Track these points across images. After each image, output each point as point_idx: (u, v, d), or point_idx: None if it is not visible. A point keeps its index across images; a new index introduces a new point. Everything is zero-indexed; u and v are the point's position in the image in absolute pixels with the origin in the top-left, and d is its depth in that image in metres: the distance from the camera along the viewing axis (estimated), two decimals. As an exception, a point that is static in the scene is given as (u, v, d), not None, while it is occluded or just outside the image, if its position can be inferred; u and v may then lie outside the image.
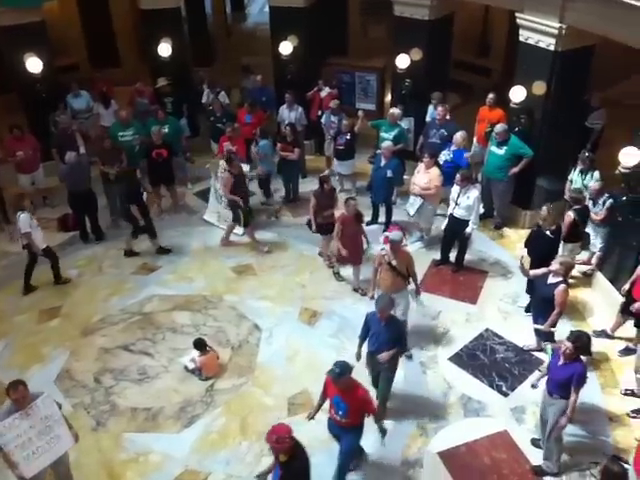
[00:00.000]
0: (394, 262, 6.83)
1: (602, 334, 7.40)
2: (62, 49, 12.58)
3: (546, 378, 5.75)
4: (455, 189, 8.10)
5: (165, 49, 10.70)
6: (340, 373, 5.13)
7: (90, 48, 14.02)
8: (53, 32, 11.41)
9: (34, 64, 10.04)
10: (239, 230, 9.47)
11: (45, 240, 8.37)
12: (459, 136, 8.93)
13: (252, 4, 17.18)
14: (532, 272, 6.82)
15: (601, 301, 7.98)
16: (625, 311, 7.15)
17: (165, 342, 7.61)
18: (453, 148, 8.97)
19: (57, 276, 8.56)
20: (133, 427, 6.56)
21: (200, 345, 7.04)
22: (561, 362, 5.49)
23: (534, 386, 6.11)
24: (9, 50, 10.28)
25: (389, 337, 6.00)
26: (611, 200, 7.63)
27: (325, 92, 10.80)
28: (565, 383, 5.46)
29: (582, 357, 5.53)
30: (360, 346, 6.31)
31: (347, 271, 8.46)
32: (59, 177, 9.34)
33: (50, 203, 10.21)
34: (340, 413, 5.36)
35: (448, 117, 9.54)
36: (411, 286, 7.17)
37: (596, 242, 8.08)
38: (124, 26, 14.05)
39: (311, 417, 5.75)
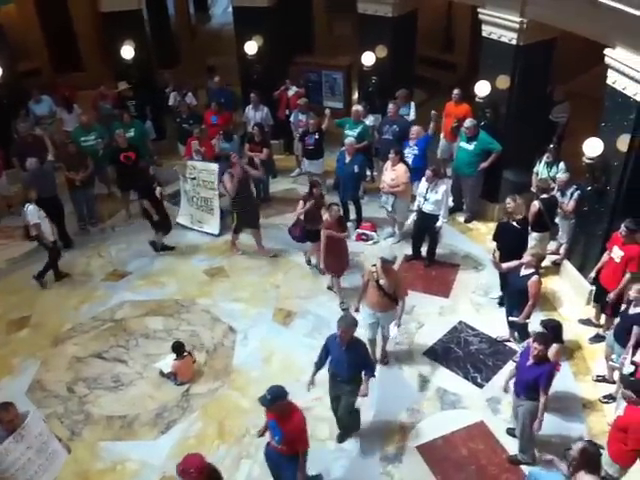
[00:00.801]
0: (382, 281, 6.49)
1: (587, 322, 7.55)
2: (23, 54, 12.30)
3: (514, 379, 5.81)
4: (423, 184, 8.16)
5: (128, 52, 10.56)
6: (271, 400, 4.89)
7: (51, 52, 13.73)
8: (12, 36, 11.17)
9: (-8, 70, 9.82)
10: (214, 230, 9.39)
11: (54, 233, 8.52)
12: (415, 128, 9.03)
13: (216, 4, 17.02)
14: (504, 265, 6.90)
15: (570, 290, 8.13)
16: (597, 299, 7.31)
17: (138, 348, 7.52)
18: (412, 142, 9.02)
19: (57, 273, 8.65)
20: (109, 435, 6.46)
21: (178, 349, 6.96)
22: (530, 362, 5.56)
23: (506, 390, 6.08)
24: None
25: (350, 364, 5.68)
26: (579, 192, 7.78)
27: (292, 91, 10.77)
28: (532, 384, 5.52)
29: (553, 350, 5.62)
30: (314, 374, 5.94)
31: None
32: (23, 184, 9.13)
33: (15, 211, 9.98)
34: (276, 439, 5.11)
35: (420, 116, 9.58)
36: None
37: (563, 233, 8.24)
38: (86, 29, 13.79)
39: (261, 434, 5.57)
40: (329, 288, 8.24)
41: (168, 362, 7.02)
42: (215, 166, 9.33)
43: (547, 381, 5.49)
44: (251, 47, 10.46)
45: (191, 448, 6.20)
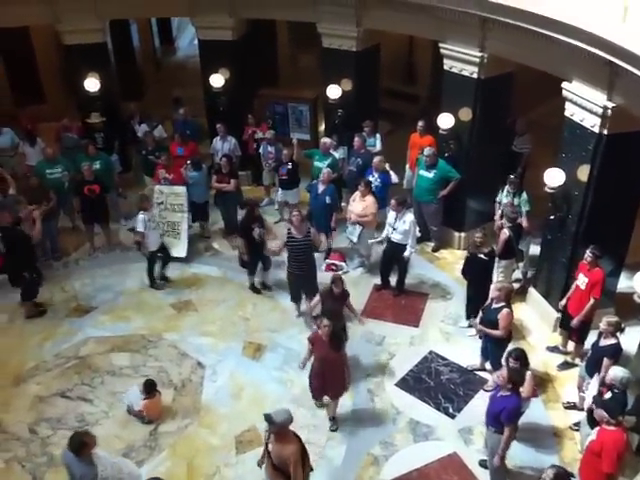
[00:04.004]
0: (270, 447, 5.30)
1: (555, 350, 7.65)
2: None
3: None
4: (391, 214, 8.26)
5: (92, 84, 10.45)
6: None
7: (12, 84, 13.53)
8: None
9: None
10: (181, 254, 9.38)
11: (155, 245, 8.77)
12: (377, 161, 9.21)
13: (181, 37, 17.12)
14: (479, 328, 6.96)
15: (536, 317, 8.26)
16: (563, 326, 7.44)
17: (104, 386, 7.32)
18: (376, 173, 9.19)
19: (163, 276, 9.01)
20: (73, 479, 6.22)
21: (150, 387, 6.79)
22: (500, 393, 5.60)
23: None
24: None
25: None
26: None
27: (260, 135, 10.81)
28: (498, 416, 5.55)
29: (527, 377, 5.68)
30: None
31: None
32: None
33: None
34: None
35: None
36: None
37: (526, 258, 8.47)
38: (48, 61, 13.66)
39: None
40: (300, 315, 8.18)
41: (133, 397, 6.83)
42: (183, 189, 9.38)
43: (510, 414, 5.48)
44: (217, 80, 10.50)
45: (160, 490, 6.05)
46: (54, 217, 9.26)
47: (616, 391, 5.52)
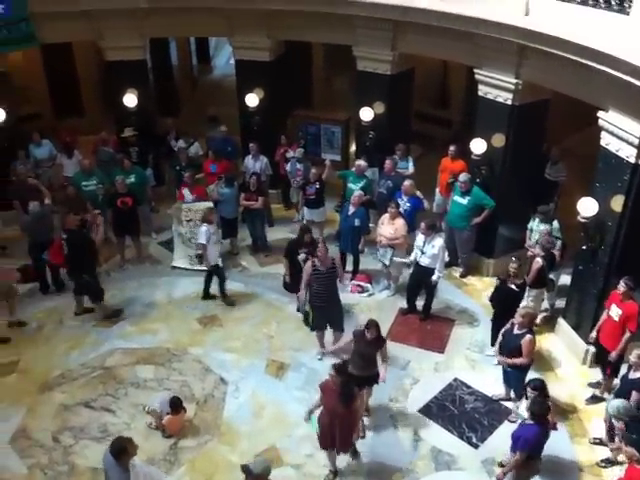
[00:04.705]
0: None
1: (596, 386, 7.42)
2: (25, 98, 12.46)
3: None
4: (420, 237, 8.21)
5: (131, 100, 10.72)
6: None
7: (54, 97, 13.92)
8: (16, 81, 11.34)
9: (-4, 113, 9.94)
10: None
11: (215, 258, 8.81)
12: (407, 184, 9.15)
13: (218, 56, 17.45)
14: (501, 360, 6.76)
15: (565, 349, 8.08)
16: (598, 360, 7.27)
17: (127, 398, 7.36)
18: (405, 196, 9.15)
19: (223, 294, 8.98)
20: (93, 489, 6.26)
21: (176, 404, 6.81)
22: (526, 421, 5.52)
23: None
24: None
25: None
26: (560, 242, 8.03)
27: (291, 154, 10.92)
28: (517, 442, 5.47)
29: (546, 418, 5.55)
30: None
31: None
32: (20, 227, 9.10)
33: (10, 253, 9.91)
34: None
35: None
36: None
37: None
38: (89, 76, 14.05)
39: None
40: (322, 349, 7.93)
41: (163, 405, 6.85)
42: (210, 204, 9.46)
43: (527, 442, 5.40)
44: (252, 99, 10.66)
45: (178, 505, 6.06)
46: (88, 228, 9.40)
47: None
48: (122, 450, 5.05)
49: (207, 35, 15.41)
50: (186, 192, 9.71)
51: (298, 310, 8.41)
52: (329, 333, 7.88)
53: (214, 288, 9.08)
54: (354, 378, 6.32)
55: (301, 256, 8.12)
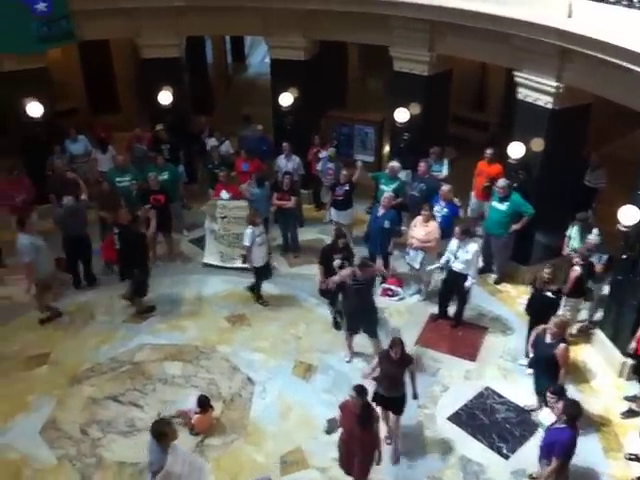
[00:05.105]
0: None
1: (633, 399, 7.21)
2: (62, 94, 12.66)
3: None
4: (454, 242, 8.05)
5: (165, 97, 10.80)
6: None
7: (90, 93, 14.13)
8: (54, 77, 11.52)
9: (35, 108, 10.12)
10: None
11: (259, 261, 8.66)
12: (445, 190, 8.97)
13: (253, 55, 17.50)
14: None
15: (601, 360, 7.85)
16: (636, 372, 7.05)
17: (155, 394, 7.39)
18: (443, 202, 8.98)
19: (258, 296, 8.93)
20: (119, 483, 6.28)
21: (204, 403, 6.82)
22: (555, 425, 5.36)
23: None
24: (10, 94, 10.36)
25: None
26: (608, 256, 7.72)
27: (323, 154, 10.86)
28: (551, 449, 5.34)
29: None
30: None
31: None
32: (54, 220, 9.23)
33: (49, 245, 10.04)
34: None
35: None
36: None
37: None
38: (124, 73, 14.21)
39: None
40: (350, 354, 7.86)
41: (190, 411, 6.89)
42: (245, 202, 9.47)
43: (562, 449, 5.27)
44: (286, 99, 10.63)
45: (202, 503, 6.03)
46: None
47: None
48: (161, 433, 5.18)
49: (243, 34, 15.46)
50: (223, 193, 9.71)
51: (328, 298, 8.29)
52: (360, 336, 7.76)
53: (229, 285, 9.14)
54: (381, 399, 6.24)
55: (336, 262, 7.96)
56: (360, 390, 5.56)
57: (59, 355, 7.97)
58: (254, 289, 9.01)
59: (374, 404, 6.03)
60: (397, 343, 6.15)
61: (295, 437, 6.81)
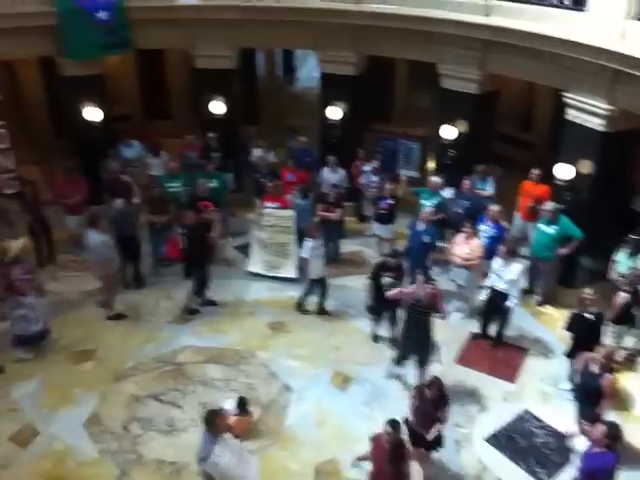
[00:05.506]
0: None
1: None
2: (117, 100, 13.10)
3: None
4: (498, 261, 8.00)
5: (217, 107, 11.08)
6: None
7: (144, 101, 14.57)
8: (110, 84, 11.94)
9: (94, 113, 10.51)
10: (291, 274, 9.55)
11: (319, 272, 8.72)
12: (494, 210, 8.89)
13: (302, 68, 17.76)
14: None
15: (645, 389, 7.68)
16: None
17: (195, 395, 7.53)
18: (490, 222, 8.90)
19: (320, 309, 8.97)
20: (157, 480, 6.42)
21: (243, 405, 6.92)
22: (592, 449, 5.27)
23: None
24: (69, 98, 10.80)
25: None
26: None
27: (366, 167, 10.94)
28: (592, 475, 5.25)
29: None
30: None
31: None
32: (109, 221, 9.53)
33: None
34: None
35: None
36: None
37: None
38: (176, 81, 14.61)
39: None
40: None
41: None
42: (291, 212, 9.59)
43: (607, 472, 5.19)
44: (334, 112, 10.78)
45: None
46: (170, 227, 9.72)
47: None
48: (210, 421, 5.42)
49: (294, 47, 15.75)
50: (270, 204, 9.86)
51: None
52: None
53: (272, 292, 9.23)
54: (413, 432, 6.11)
55: (386, 280, 7.88)
56: (395, 425, 5.45)
57: (105, 352, 8.21)
58: (305, 300, 9.04)
59: (407, 434, 5.94)
60: (436, 383, 6.00)
61: (330, 447, 6.84)
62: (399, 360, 7.53)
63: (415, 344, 7.30)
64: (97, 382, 7.70)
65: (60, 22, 10.02)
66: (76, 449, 6.81)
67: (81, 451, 6.79)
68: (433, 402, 5.97)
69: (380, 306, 8.03)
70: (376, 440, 5.60)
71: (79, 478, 6.52)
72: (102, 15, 10.30)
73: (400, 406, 6.67)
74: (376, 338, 8.44)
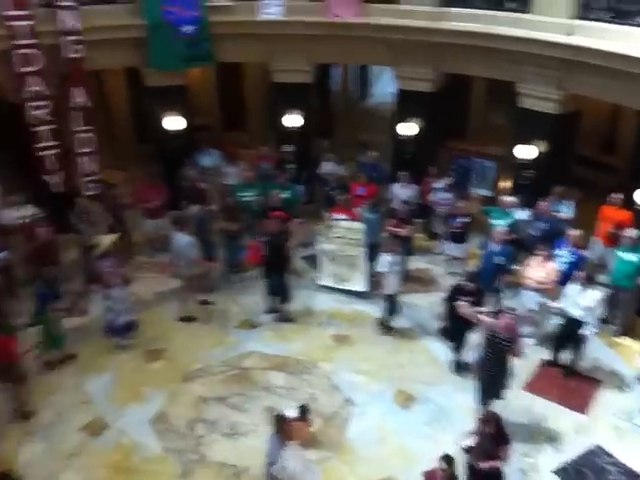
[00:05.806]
0: None
1: None
2: (197, 111, 13.56)
3: None
4: (576, 287, 7.72)
5: (292, 120, 11.28)
6: None
7: (222, 111, 15.00)
8: (191, 95, 12.40)
9: (175, 122, 10.93)
10: (360, 287, 9.53)
11: (395, 288, 8.62)
12: (575, 235, 8.60)
13: (376, 83, 17.81)
14: None
15: None
16: None
17: (259, 400, 7.65)
18: (569, 247, 8.59)
19: (386, 325, 8.86)
20: (219, 482, 6.54)
21: (305, 412, 6.95)
22: None
23: None
24: (153, 107, 11.28)
25: None
26: None
27: (437, 184, 10.85)
28: None
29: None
30: None
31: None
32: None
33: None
34: None
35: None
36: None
37: None
38: (253, 94, 14.98)
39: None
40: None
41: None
42: (361, 225, 9.60)
43: None
44: (410, 128, 10.75)
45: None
46: (240, 236, 9.94)
47: None
48: (277, 427, 5.69)
49: (372, 63, 15.79)
50: (339, 216, 9.92)
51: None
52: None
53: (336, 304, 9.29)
54: (472, 471, 5.88)
55: (460, 304, 7.52)
56: (449, 461, 5.34)
57: (174, 352, 8.46)
58: (385, 320, 8.92)
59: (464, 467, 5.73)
60: (492, 420, 5.73)
61: (389, 465, 6.77)
62: (484, 400, 7.01)
63: (494, 383, 6.95)
64: (166, 381, 7.94)
65: (148, 34, 10.52)
66: (141, 445, 7.04)
67: (146, 447, 7.01)
68: (492, 438, 5.74)
69: (461, 333, 7.79)
70: (430, 476, 5.53)
71: (143, 473, 6.74)
72: (187, 29, 10.73)
73: (462, 429, 6.51)
74: (458, 366, 8.09)
